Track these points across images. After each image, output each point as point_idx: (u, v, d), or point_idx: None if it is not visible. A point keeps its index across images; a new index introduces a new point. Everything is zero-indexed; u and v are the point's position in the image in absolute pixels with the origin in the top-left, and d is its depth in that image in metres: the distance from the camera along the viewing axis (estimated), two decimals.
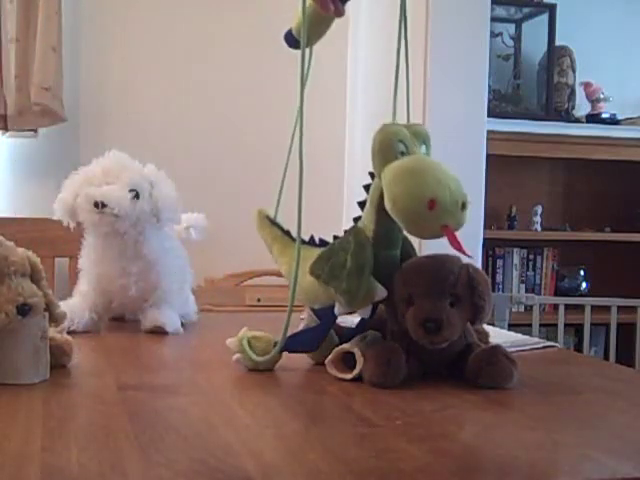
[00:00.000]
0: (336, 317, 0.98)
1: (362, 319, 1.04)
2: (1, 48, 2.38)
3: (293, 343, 0.97)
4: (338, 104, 2.75)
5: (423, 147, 0.95)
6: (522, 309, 2.86)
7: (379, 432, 0.75)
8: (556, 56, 2.98)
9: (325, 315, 0.98)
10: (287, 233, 1.09)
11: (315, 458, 0.67)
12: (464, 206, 0.87)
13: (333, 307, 0.96)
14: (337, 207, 2.72)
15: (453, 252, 0.94)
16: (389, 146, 0.91)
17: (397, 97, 0.95)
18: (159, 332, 1.28)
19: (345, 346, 0.97)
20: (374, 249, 0.93)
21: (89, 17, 2.59)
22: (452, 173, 0.88)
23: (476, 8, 2.25)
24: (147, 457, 0.65)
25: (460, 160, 2.20)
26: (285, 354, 0.99)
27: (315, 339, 1.00)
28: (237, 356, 1.00)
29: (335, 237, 0.98)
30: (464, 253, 0.88)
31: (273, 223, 1.11)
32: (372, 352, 0.93)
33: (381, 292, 0.94)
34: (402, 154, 0.91)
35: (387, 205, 0.88)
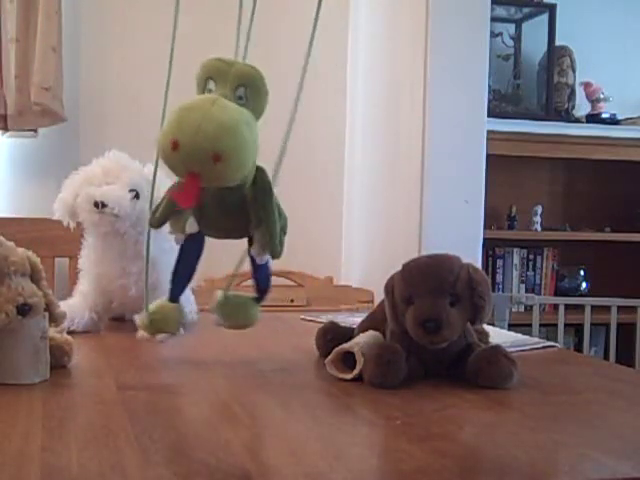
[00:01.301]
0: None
1: (362, 321, 1.05)
2: (1, 48, 2.38)
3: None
4: (338, 100, 2.74)
5: (241, 90, 0.93)
6: (522, 309, 2.86)
7: (379, 432, 0.75)
8: (556, 56, 2.98)
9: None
10: None
11: (315, 458, 0.66)
12: (218, 158, 0.85)
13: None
14: (337, 203, 2.71)
15: (453, 252, 0.94)
16: (199, 81, 0.94)
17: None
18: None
19: (345, 346, 0.97)
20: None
21: (89, 17, 2.59)
22: (234, 124, 0.86)
23: (476, 8, 2.24)
24: (147, 457, 0.65)
25: (460, 160, 2.21)
26: (287, 354, 0.99)
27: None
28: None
29: None
30: (184, 205, 0.91)
31: None
32: (372, 352, 0.93)
33: (190, 226, 1.00)
34: (210, 92, 0.92)
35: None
